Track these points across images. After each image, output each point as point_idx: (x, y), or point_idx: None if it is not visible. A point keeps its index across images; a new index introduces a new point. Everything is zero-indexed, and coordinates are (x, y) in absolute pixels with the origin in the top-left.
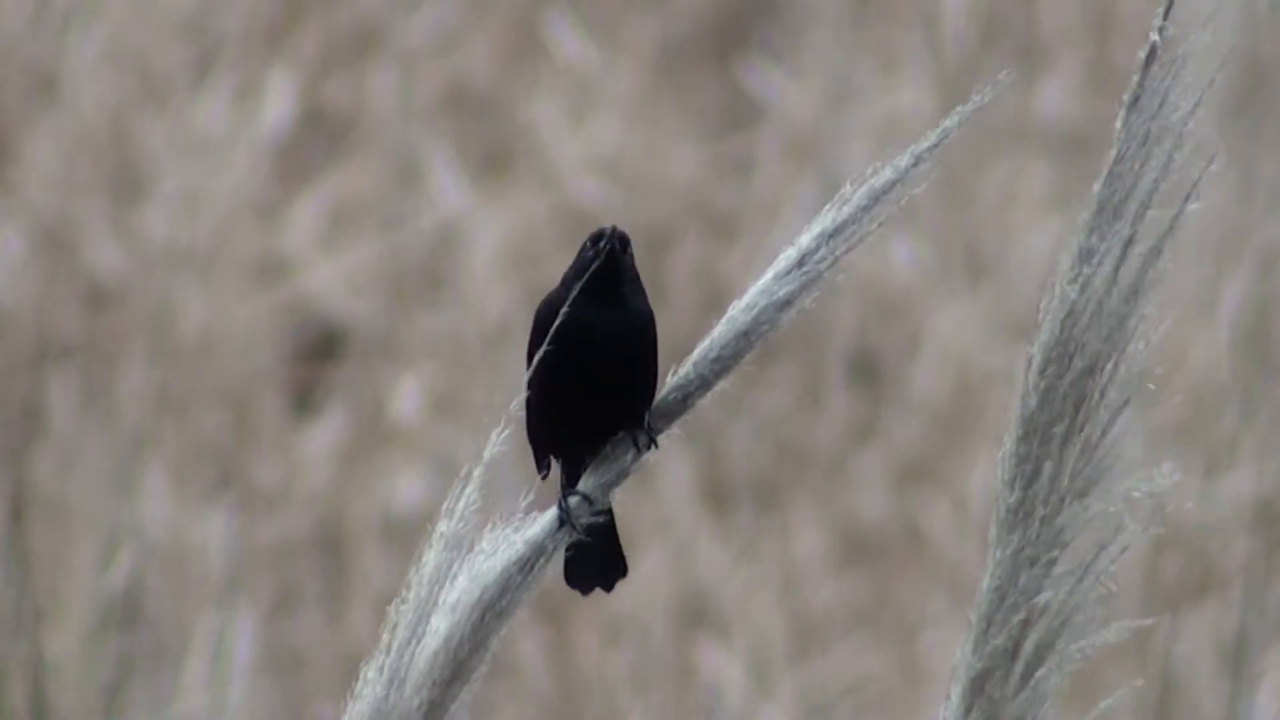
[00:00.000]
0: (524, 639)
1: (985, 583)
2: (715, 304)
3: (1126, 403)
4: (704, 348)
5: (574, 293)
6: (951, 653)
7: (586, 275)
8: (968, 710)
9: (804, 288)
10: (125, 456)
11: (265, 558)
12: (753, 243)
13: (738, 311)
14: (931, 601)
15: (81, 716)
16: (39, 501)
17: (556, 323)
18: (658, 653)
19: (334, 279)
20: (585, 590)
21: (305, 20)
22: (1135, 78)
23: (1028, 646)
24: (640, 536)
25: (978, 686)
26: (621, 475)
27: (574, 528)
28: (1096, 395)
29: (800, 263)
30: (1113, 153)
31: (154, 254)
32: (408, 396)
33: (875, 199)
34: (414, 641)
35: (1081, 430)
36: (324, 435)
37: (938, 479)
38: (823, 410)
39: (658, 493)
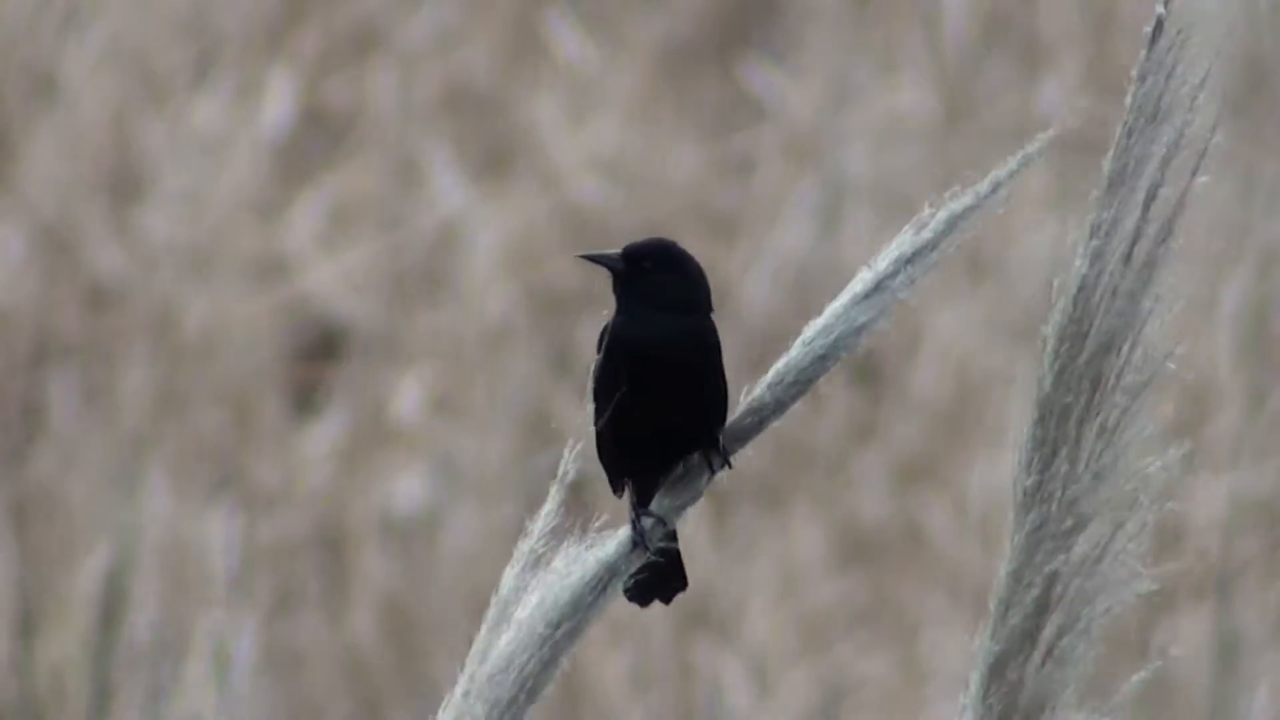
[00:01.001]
0: None
1: (1004, 566)
2: (715, 304)
3: (1147, 383)
4: (779, 370)
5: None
6: (951, 652)
7: (622, 297)
8: (986, 693)
9: (881, 312)
10: (125, 456)
11: (265, 558)
12: (753, 243)
13: (814, 334)
14: (931, 601)
15: (80, 716)
16: (39, 501)
17: (604, 340)
18: (658, 653)
19: (334, 279)
20: (644, 603)
21: (305, 20)
22: (1142, 51)
23: (1048, 629)
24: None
25: (997, 670)
26: (695, 497)
27: (648, 549)
28: (1113, 376)
29: (878, 287)
30: (1121, 126)
31: (154, 254)
32: (408, 396)
33: (954, 223)
34: (486, 659)
35: (1098, 412)
36: (324, 435)
37: (938, 479)
38: (823, 410)
39: None
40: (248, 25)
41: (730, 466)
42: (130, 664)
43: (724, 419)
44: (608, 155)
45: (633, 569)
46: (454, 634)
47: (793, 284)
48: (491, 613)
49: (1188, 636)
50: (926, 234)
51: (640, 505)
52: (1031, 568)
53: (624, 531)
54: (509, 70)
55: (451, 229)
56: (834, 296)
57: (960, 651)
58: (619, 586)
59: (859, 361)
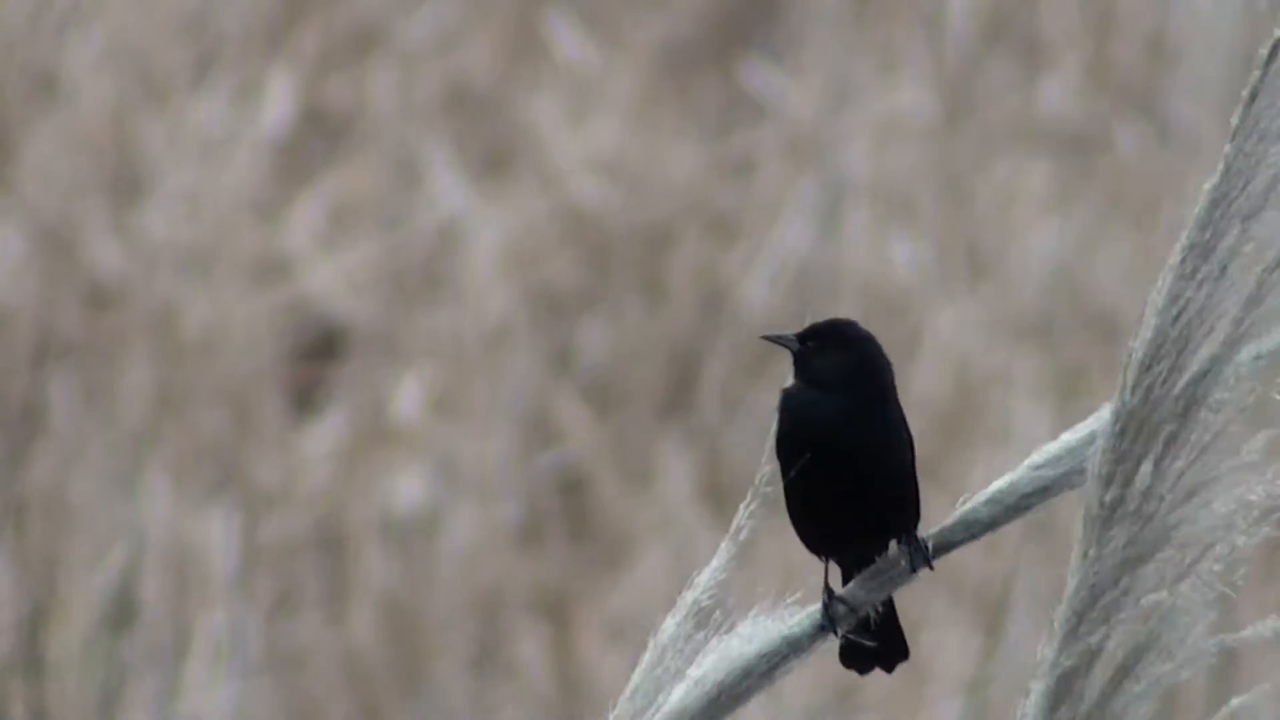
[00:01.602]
0: (524, 639)
1: (1077, 579)
2: (715, 304)
3: (1244, 404)
4: (1000, 489)
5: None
6: (952, 653)
7: (809, 372)
8: (1053, 709)
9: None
10: (125, 456)
11: (265, 558)
12: (753, 243)
13: (1043, 461)
14: (931, 601)
15: (81, 716)
16: (39, 501)
17: (778, 419)
18: None
19: (334, 279)
20: (864, 671)
21: (305, 20)
22: (1256, 73)
23: (1123, 647)
24: (640, 536)
25: (1065, 685)
26: (889, 590)
27: (835, 633)
28: (1207, 395)
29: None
30: (1228, 147)
31: (154, 254)
32: (408, 396)
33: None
34: (651, 709)
35: (1193, 430)
36: (324, 435)
37: (938, 479)
38: None
39: (658, 493)
40: (248, 25)
41: (931, 569)
42: (131, 664)
43: (914, 509)
44: (608, 155)
45: (815, 649)
46: (454, 634)
47: (793, 284)
48: (649, 655)
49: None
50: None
51: (833, 588)
52: (1112, 584)
53: (813, 608)
54: (509, 70)
55: (451, 229)
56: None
57: (960, 652)
58: (795, 662)
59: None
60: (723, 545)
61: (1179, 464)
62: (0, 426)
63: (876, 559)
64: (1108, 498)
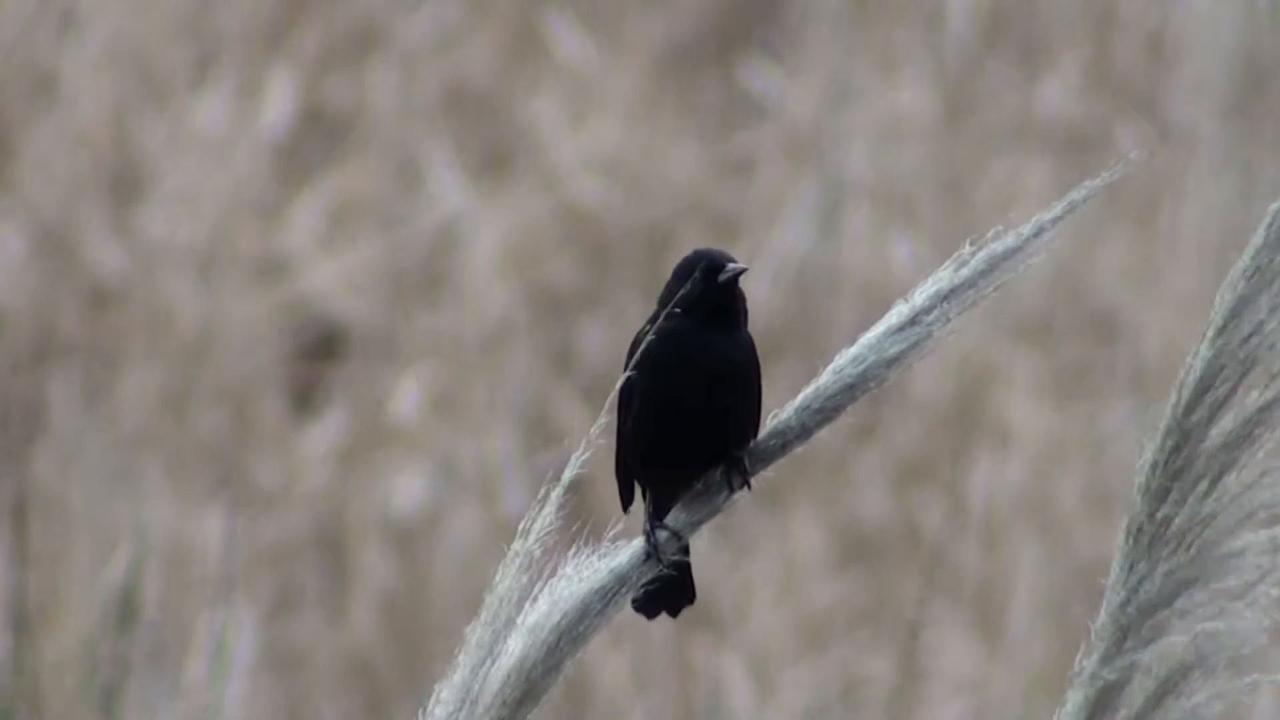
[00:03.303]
0: None
1: (1123, 594)
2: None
3: None
4: (807, 395)
5: (663, 319)
6: (951, 653)
7: (699, 303)
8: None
9: (914, 346)
10: (125, 456)
11: (265, 557)
12: (753, 243)
13: (845, 363)
14: (931, 601)
15: (81, 716)
16: (39, 501)
17: (654, 348)
18: (658, 653)
19: (334, 279)
20: (651, 615)
21: (305, 20)
22: None
23: (1167, 665)
24: (640, 536)
25: (1105, 698)
26: (711, 514)
27: (660, 562)
28: (1270, 413)
29: (913, 321)
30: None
31: (154, 254)
32: (408, 396)
33: (994, 264)
34: (488, 661)
35: (1253, 455)
36: (324, 435)
37: (938, 479)
38: None
39: None
40: (248, 25)
41: (750, 488)
42: (130, 664)
43: (751, 438)
44: (608, 155)
45: (644, 579)
46: (454, 634)
47: (793, 284)
48: (485, 611)
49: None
50: (965, 272)
51: (656, 518)
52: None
53: (637, 542)
54: (509, 70)
55: (451, 229)
56: (863, 321)
57: (960, 652)
58: (628, 596)
59: None
60: (554, 494)
61: (1236, 486)
62: (0, 426)
63: (698, 485)
64: (1160, 514)
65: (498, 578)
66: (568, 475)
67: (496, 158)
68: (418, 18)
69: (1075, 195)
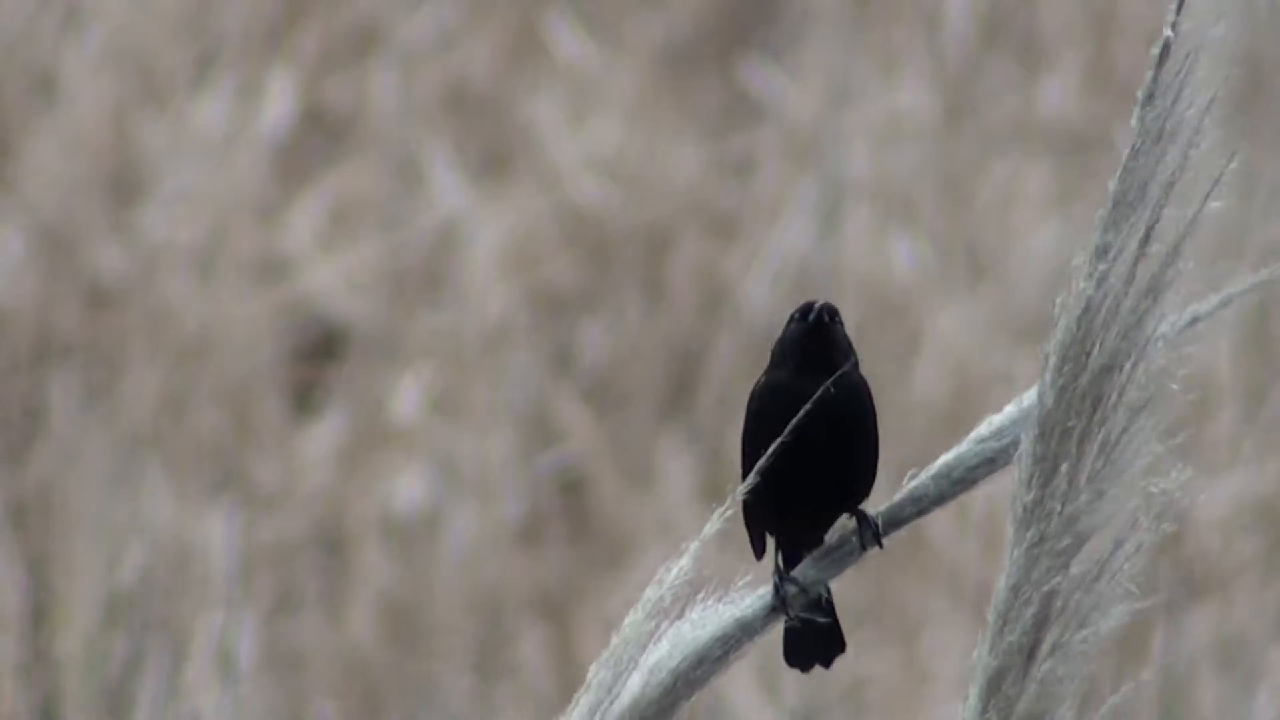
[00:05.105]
0: (524, 639)
1: (1002, 581)
2: (715, 304)
3: (1147, 402)
4: (947, 463)
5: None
6: (952, 653)
7: (793, 351)
8: (984, 709)
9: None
10: (125, 456)
11: (265, 558)
12: (753, 243)
13: (988, 434)
14: (931, 601)
15: (83, 717)
16: (39, 501)
17: (753, 403)
18: None
19: (334, 279)
20: (805, 668)
21: (305, 20)
22: (1149, 73)
23: (1045, 644)
24: (640, 536)
25: (994, 685)
26: (840, 571)
27: (787, 614)
28: (1115, 394)
29: None
30: (1127, 149)
31: (154, 254)
32: (408, 396)
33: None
34: (608, 701)
35: (1100, 429)
36: (324, 435)
37: None
38: None
39: (658, 493)
40: (248, 25)
41: (881, 547)
42: (131, 664)
43: (872, 481)
44: (608, 155)
45: (766, 630)
46: (454, 634)
47: (793, 284)
48: (608, 654)
49: (1188, 637)
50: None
51: (784, 570)
52: (1030, 584)
53: (764, 591)
54: (509, 70)
55: (451, 229)
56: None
57: (961, 652)
58: (748, 645)
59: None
60: (691, 546)
61: (1088, 464)
62: (0, 426)
63: (825, 539)
64: (1028, 499)
65: (626, 623)
66: (709, 530)
67: (496, 158)
68: (418, 18)
69: (1236, 290)
